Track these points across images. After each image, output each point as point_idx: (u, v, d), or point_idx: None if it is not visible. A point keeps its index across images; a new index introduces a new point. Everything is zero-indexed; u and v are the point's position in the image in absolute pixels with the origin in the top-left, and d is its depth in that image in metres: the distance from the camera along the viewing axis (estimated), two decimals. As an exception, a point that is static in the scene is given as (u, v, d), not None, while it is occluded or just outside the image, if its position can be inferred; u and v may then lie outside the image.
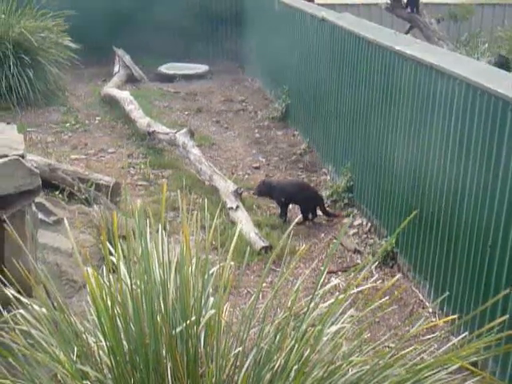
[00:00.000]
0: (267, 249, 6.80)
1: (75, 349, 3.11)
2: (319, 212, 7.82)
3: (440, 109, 5.65)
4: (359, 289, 3.44)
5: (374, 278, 6.06)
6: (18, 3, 12.07)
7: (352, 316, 3.45)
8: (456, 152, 5.38)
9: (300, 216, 7.64)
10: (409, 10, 13.72)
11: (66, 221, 3.69)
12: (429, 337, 3.50)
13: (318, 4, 11.78)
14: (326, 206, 7.87)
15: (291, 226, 3.47)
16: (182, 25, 14.64)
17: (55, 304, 3.24)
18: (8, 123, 6.02)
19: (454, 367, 3.13)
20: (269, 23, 12.53)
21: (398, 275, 5.57)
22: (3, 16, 11.78)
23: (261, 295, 3.52)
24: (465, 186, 5.25)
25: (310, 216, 7.75)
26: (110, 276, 3.08)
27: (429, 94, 5.85)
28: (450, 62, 5.82)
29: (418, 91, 6.07)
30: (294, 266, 3.44)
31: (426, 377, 3.09)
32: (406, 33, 13.12)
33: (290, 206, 7.85)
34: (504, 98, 4.66)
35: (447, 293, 5.43)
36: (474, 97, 5.08)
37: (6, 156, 4.39)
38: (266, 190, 7.82)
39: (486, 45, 13.36)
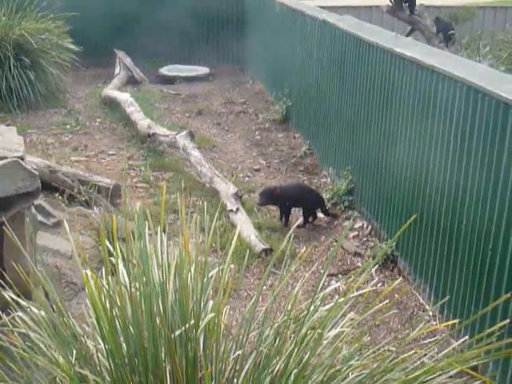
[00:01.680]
0: (267, 251, 6.78)
1: (74, 352, 3.09)
2: (320, 214, 7.82)
3: (441, 111, 5.63)
4: (359, 292, 3.42)
5: (375, 281, 6.05)
6: (18, 5, 12.08)
7: (352, 319, 3.44)
8: (457, 155, 5.37)
9: (301, 219, 7.62)
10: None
11: (65, 223, 3.67)
12: (429, 340, 3.49)
13: (319, 6, 11.77)
14: (326, 207, 7.88)
15: (292, 229, 3.46)
16: (182, 27, 14.67)
17: (54, 307, 3.22)
18: (8, 125, 6.01)
19: (455, 371, 3.11)
20: (270, 25, 12.54)
21: (399, 279, 5.54)
22: (3, 18, 11.80)
23: (260, 298, 3.51)
24: (466, 188, 5.23)
25: (311, 218, 7.74)
26: (110, 278, 3.07)
27: (429, 97, 5.83)
28: (451, 64, 5.81)
29: (419, 93, 6.05)
30: (294, 270, 3.43)
31: (427, 381, 3.08)
32: (407, 35, 13.13)
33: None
34: (505, 101, 4.65)
35: (448, 296, 5.42)
36: (474, 100, 5.07)
37: (6, 158, 4.38)
38: (269, 198, 7.69)
39: (488, 47, 13.38)
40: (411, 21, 13.97)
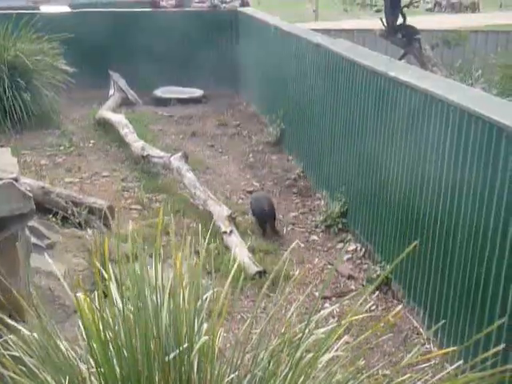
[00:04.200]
0: (261, 274, 6.76)
1: (67, 375, 3.07)
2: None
3: (434, 135, 5.65)
4: (355, 317, 3.40)
5: (369, 304, 6.03)
6: (13, 26, 12.11)
7: (347, 343, 3.43)
8: (450, 177, 5.38)
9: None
10: (400, 36, 13.84)
11: (58, 245, 3.66)
12: (424, 365, 3.47)
13: (313, 29, 11.83)
14: (275, 224, 8.13)
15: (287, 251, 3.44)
16: (177, 50, 14.69)
17: (47, 329, 3.20)
18: (1, 146, 5.99)
19: (450, 395, 3.09)
20: (264, 48, 12.58)
21: (399, 307, 5.53)
22: (-2, 39, 11.83)
23: (255, 320, 3.49)
24: (459, 211, 5.24)
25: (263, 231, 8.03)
26: (102, 301, 3.05)
27: (423, 120, 5.85)
28: (445, 88, 5.84)
29: (413, 117, 6.07)
30: (288, 292, 3.42)
31: (422, 405, 3.06)
32: (400, 59, 13.18)
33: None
34: (498, 125, 4.66)
35: (443, 321, 5.41)
36: (468, 123, 5.08)
37: (0, 179, 4.37)
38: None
39: (480, 71, 13.44)
40: (404, 45, 14.03)
